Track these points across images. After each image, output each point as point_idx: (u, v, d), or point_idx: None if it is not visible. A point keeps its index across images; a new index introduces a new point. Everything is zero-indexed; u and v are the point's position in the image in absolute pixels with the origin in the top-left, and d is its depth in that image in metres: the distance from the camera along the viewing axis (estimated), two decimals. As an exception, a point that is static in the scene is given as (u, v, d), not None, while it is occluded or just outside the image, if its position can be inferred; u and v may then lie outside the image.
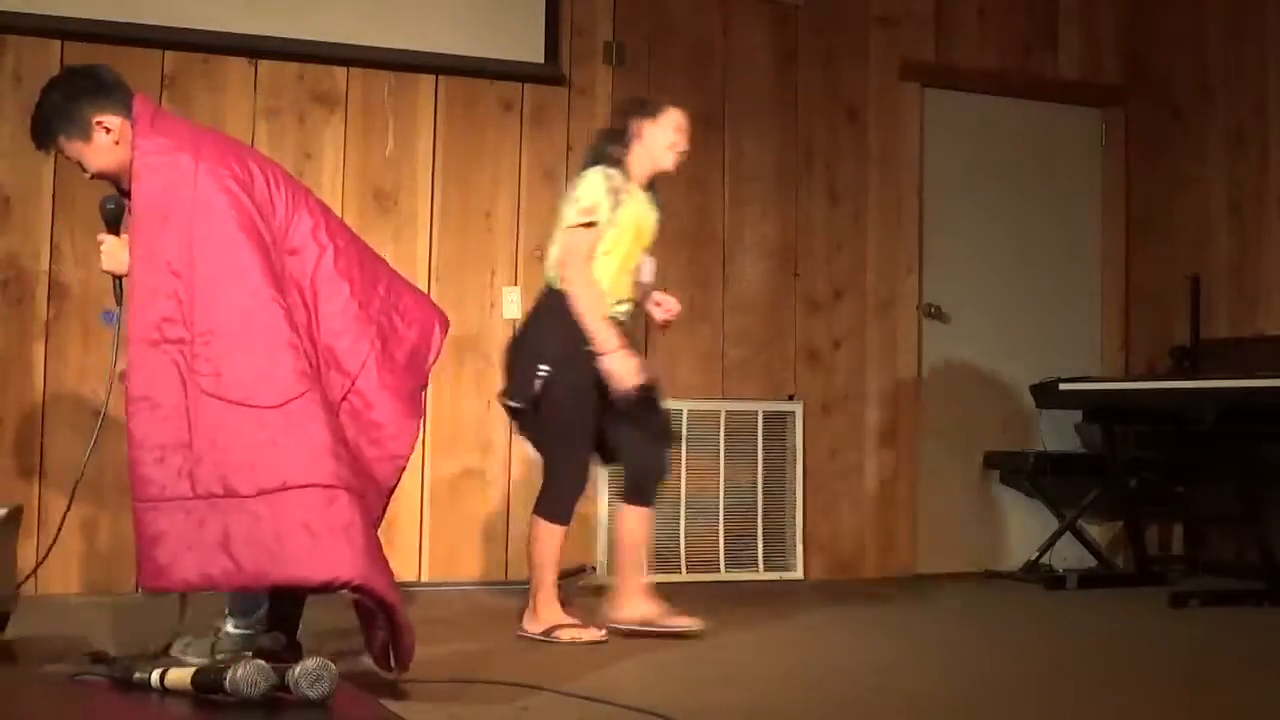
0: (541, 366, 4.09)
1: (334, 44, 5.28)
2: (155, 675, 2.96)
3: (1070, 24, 6.46)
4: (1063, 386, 5.78)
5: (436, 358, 3.45)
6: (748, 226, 5.88)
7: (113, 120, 3.30)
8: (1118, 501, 5.99)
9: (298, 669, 2.77)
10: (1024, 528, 6.17)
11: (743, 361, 5.85)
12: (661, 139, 4.29)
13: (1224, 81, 6.07)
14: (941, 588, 5.65)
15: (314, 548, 2.93)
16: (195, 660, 3.32)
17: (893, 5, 6.15)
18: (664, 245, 5.71)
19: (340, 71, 5.34)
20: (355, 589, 2.97)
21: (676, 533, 5.61)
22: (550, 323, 4.17)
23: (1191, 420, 5.32)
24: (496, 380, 5.47)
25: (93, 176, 3.41)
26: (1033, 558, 5.98)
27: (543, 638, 4.08)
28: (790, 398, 5.87)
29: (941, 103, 6.25)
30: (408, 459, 3.33)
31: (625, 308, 4.28)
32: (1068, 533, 6.00)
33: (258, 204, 3.21)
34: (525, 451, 4.34)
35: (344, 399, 3.21)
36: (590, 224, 4.15)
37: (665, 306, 4.45)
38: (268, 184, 3.28)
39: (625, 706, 3.02)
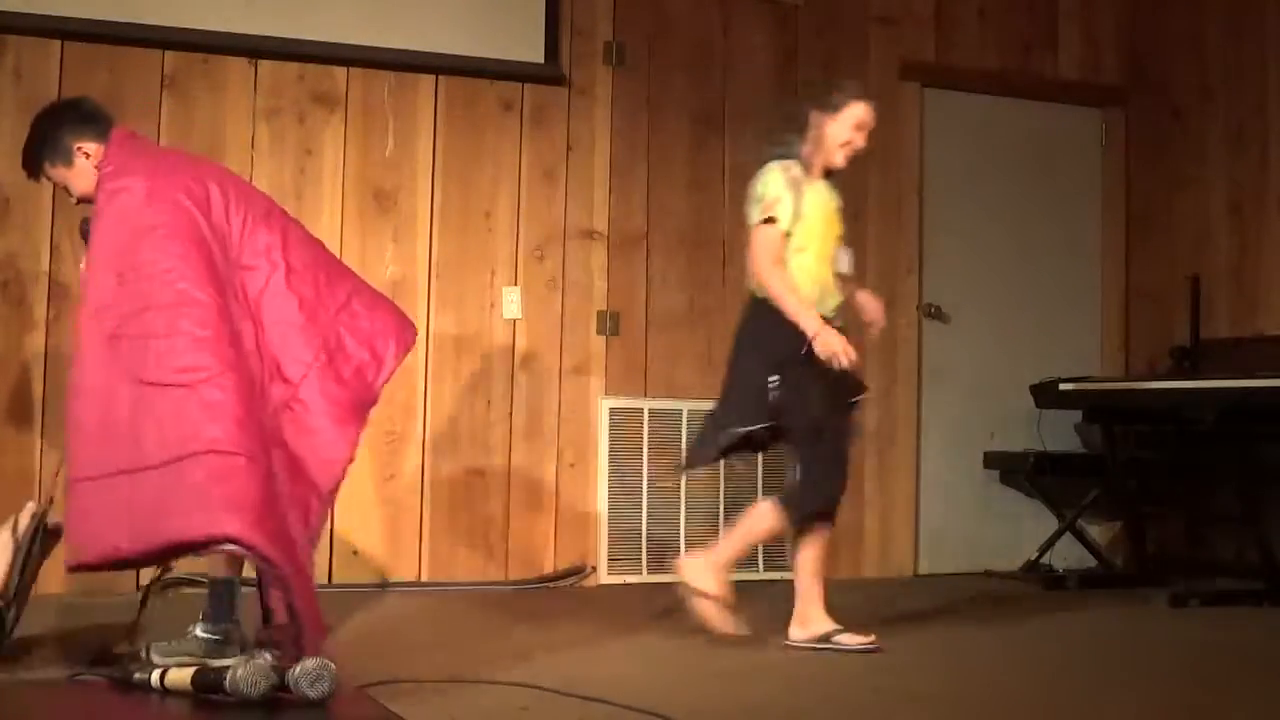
0: (771, 379, 3.94)
1: (334, 44, 5.27)
2: (155, 675, 2.97)
3: (1070, 24, 6.45)
4: (1063, 386, 5.78)
5: (388, 377, 3.55)
6: (748, 227, 5.87)
7: (91, 146, 3.56)
8: (1118, 501, 5.99)
9: (298, 669, 2.78)
10: (1024, 528, 6.17)
11: (743, 361, 5.83)
12: (838, 135, 4.06)
13: (1224, 81, 6.06)
14: (941, 588, 5.65)
15: (202, 506, 3.07)
16: (160, 659, 3.40)
17: (893, 5, 6.14)
18: (664, 245, 5.75)
19: (340, 71, 5.34)
20: (241, 545, 3.07)
21: (676, 532, 5.61)
22: (762, 332, 4.02)
23: (1191, 420, 5.32)
24: (496, 380, 5.51)
25: (78, 201, 3.64)
26: (1033, 558, 5.98)
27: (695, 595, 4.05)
28: (790, 398, 5.87)
29: (941, 103, 6.25)
30: (345, 464, 3.42)
31: (834, 301, 4.09)
32: (1068, 533, 6.00)
33: (213, 223, 3.42)
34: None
35: (287, 406, 3.37)
36: (772, 219, 3.99)
37: (869, 310, 4.25)
38: (225, 204, 3.47)
39: (625, 706, 3.02)
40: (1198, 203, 6.15)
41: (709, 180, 5.82)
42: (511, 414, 5.48)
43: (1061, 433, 6.26)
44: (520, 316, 5.51)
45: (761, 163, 4.13)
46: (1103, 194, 6.52)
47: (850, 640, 4.00)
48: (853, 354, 3.96)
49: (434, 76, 5.45)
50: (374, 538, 5.27)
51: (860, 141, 4.10)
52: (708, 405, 5.67)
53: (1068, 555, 6.05)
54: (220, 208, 3.44)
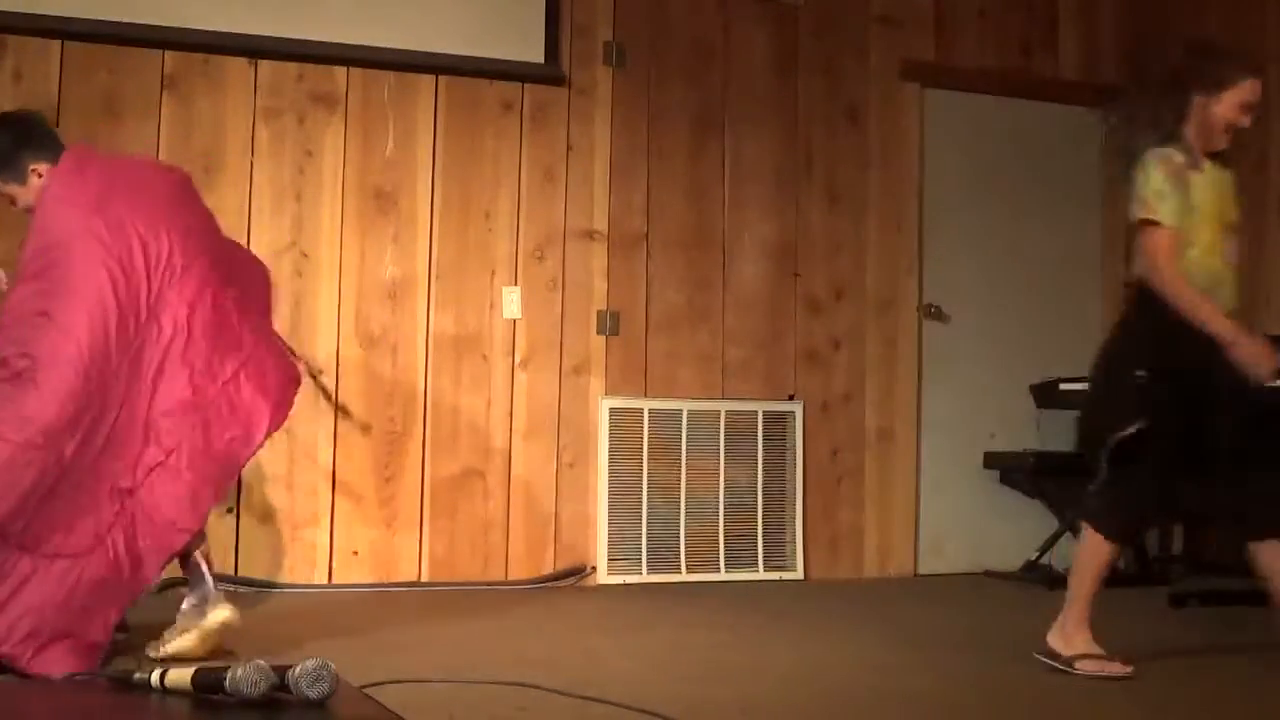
0: (1138, 373, 3.63)
1: (334, 44, 5.28)
2: (155, 675, 2.97)
3: (1069, 24, 6.46)
4: (1063, 386, 5.78)
5: (254, 450, 3.66)
6: (748, 227, 5.88)
7: (44, 168, 3.69)
8: (1117, 501, 5.97)
9: (298, 669, 2.77)
10: (1024, 528, 6.16)
11: (743, 361, 5.85)
12: (1219, 117, 3.67)
13: (1224, 81, 6.06)
14: (941, 588, 5.65)
15: None
16: (166, 649, 3.54)
17: (893, 5, 6.15)
18: (664, 245, 5.75)
19: (340, 71, 5.35)
20: None
21: (676, 533, 5.62)
22: (1140, 325, 3.72)
23: (1191, 420, 5.30)
24: (496, 380, 5.51)
25: (29, 210, 3.73)
26: (1033, 558, 5.98)
27: (1062, 666, 3.67)
28: (790, 398, 5.88)
29: (941, 103, 6.25)
30: (188, 531, 3.53)
31: (1227, 293, 3.76)
32: (1068, 533, 6.00)
33: (129, 280, 3.51)
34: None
35: (154, 470, 3.49)
36: (1154, 221, 3.66)
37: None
38: (146, 264, 3.54)
39: (623, 705, 3.02)
40: (1198, 203, 6.14)
41: (709, 180, 5.83)
42: (511, 414, 5.49)
43: (1061, 433, 6.26)
44: (520, 316, 5.51)
45: (1130, 149, 3.79)
46: (1103, 194, 6.52)
47: (1093, 667, 3.65)
48: (1273, 365, 3.53)
49: (434, 76, 5.45)
50: (374, 538, 5.27)
51: (1245, 122, 3.70)
52: (708, 405, 5.74)
53: (1068, 555, 6.03)
54: (140, 267, 3.52)
